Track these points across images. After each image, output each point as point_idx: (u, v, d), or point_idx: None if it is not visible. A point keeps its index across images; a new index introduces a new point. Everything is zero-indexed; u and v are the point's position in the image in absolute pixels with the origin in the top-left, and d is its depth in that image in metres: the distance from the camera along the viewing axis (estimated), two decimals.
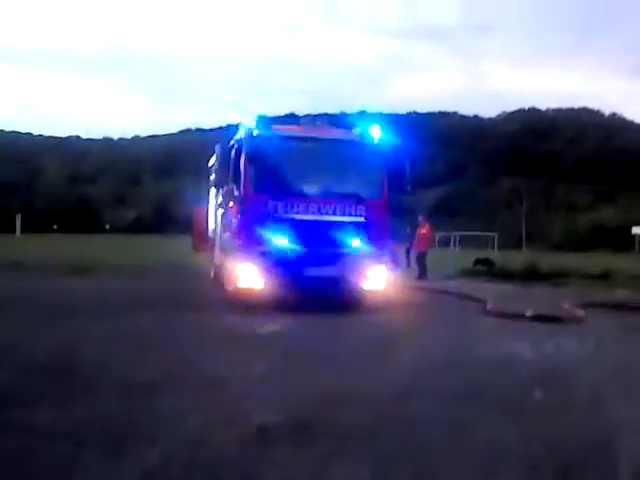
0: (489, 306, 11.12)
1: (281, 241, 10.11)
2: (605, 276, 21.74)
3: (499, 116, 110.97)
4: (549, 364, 6.75)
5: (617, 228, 65.67)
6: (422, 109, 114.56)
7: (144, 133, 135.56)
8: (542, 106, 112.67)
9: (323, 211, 10.24)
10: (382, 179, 10.64)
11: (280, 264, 10.04)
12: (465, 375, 6.10)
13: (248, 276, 10.12)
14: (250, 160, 10.21)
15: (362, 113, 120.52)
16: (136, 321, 8.64)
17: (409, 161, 10.86)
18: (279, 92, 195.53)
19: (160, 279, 16.06)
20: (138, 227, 79.31)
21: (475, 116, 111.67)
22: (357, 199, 10.41)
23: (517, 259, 23.52)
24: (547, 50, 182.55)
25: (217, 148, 13.40)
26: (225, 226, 11.54)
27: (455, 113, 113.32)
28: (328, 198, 10.31)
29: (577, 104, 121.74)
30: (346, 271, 10.27)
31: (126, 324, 8.36)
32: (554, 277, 20.82)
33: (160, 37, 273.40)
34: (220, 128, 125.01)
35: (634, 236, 52.53)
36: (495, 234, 51.60)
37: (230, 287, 10.49)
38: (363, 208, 10.40)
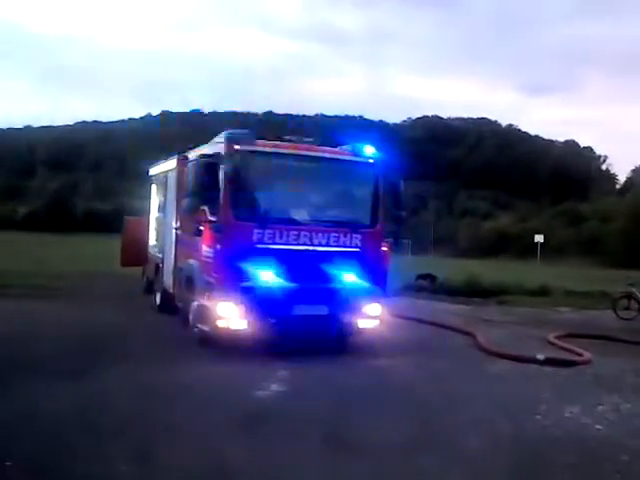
0: (484, 343, 10.23)
1: (266, 275, 8.67)
2: (544, 292, 21.99)
3: (404, 122, 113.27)
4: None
5: (518, 235, 68.42)
6: (328, 112, 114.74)
7: (37, 123, 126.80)
8: (444, 114, 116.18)
9: (315, 241, 8.90)
10: (378, 204, 9.46)
11: (265, 302, 8.61)
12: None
13: (228, 316, 8.61)
14: (231, 180, 8.67)
15: (269, 114, 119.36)
16: (97, 387, 6.88)
17: (402, 184, 9.73)
18: (181, 87, 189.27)
19: (93, 299, 14.00)
20: (31, 224, 73.14)
21: (380, 121, 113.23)
22: (352, 227, 9.15)
23: (455, 274, 23.23)
24: (447, 61, 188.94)
25: (174, 161, 11.74)
26: (192, 255, 9.87)
27: (361, 117, 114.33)
28: (320, 226, 8.98)
29: (476, 114, 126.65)
30: (340, 309, 9.00)
31: (85, 394, 6.58)
32: (496, 293, 20.73)
33: (53, 20, 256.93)
34: (121, 121, 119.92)
35: (536, 243, 54.63)
36: (409, 240, 52.06)
37: (205, 327, 8.90)
38: (358, 237, 9.16)
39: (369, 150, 9.53)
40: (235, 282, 8.63)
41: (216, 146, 9.11)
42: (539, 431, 5.95)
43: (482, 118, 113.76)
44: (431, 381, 7.93)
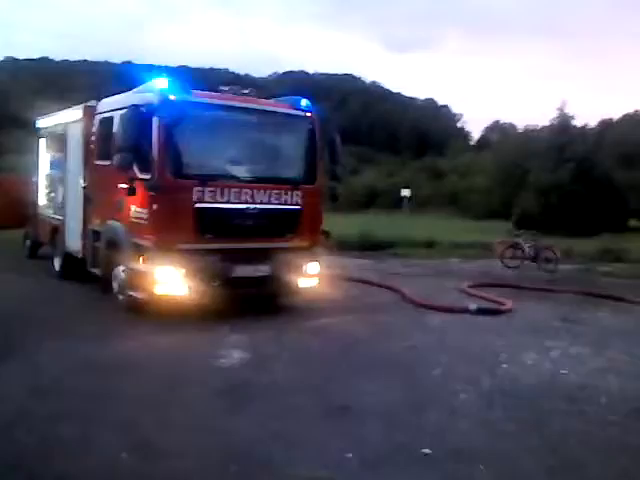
0: (415, 298, 10.43)
1: (207, 236, 8.16)
2: (431, 244, 22.99)
3: (270, 76, 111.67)
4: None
5: (387, 190, 70.79)
6: (192, 64, 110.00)
7: None
8: (310, 69, 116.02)
9: (256, 199, 8.46)
10: (317, 159, 9.16)
11: (207, 264, 8.12)
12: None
13: (168, 281, 8.02)
14: (166, 134, 7.95)
15: (128, 63, 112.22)
16: (35, 366, 6.18)
17: (338, 138, 9.50)
18: (29, 32, 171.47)
19: None
20: None
21: (247, 75, 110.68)
22: (293, 184, 8.81)
23: (343, 228, 23.51)
24: (311, 15, 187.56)
25: (77, 112, 10.58)
26: (114, 216, 9.01)
27: (226, 70, 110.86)
28: (262, 183, 8.55)
29: (341, 70, 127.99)
30: (281, 268, 8.70)
31: (25, 374, 5.89)
32: (387, 247, 21.37)
33: None
34: None
35: (402, 198, 56.94)
36: None
37: (139, 294, 8.22)
38: (299, 194, 8.84)
39: (306, 103, 9.17)
40: (174, 244, 8.04)
41: (145, 96, 8.28)
42: (516, 381, 6.16)
43: (347, 74, 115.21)
44: (385, 337, 7.96)
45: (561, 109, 39.24)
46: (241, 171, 8.50)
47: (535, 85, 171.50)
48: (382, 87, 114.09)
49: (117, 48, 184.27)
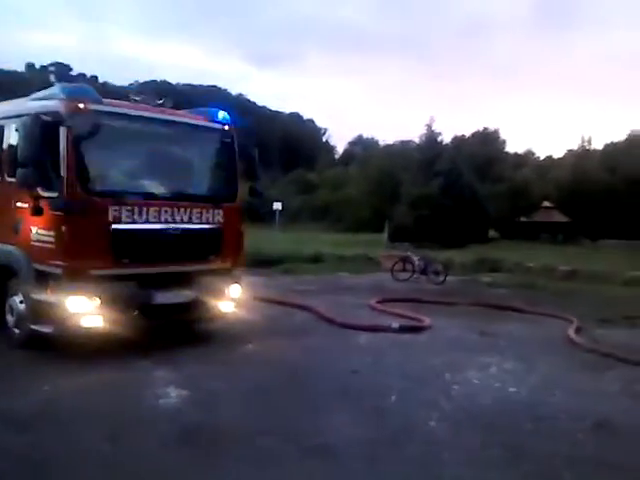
0: (335, 317, 10.19)
1: (122, 260, 7.37)
2: (318, 259, 23.04)
3: (131, 85, 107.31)
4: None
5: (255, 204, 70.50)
6: (38, 63, 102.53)
7: None
8: (172, 79, 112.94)
9: (176, 218, 7.78)
10: (236, 175, 8.65)
11: (124, 291, 7.34)
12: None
13: (80, 312, 7.12)
14: (76, 146, 7.07)
15: None
16: None
17: (256, 152, 9.07)
18: None
19: None
20: None
21: (105, 83, 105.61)
22: (213, 201, 8.22)
23: None
24: (171, 23, 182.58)
25: None
26: (13, 237, 7.89)
27: (82, 75, 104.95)
28: (181, 200, 7.89)
29: (205, 81, 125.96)
30: (203, 293, 8.09)
31: None
32: (276, 262, 21.06)
33: None
34: None
35: (275, 211, 57.03)
36: None
37: (46, 328, 7.21)
38: (220, 212, 8.28)
39: (223, 115, 8.65)
40: (86, 271, 7.17)
41: (49, 103, 7.32)
42: (474, 402, 6.09)
43: (212, 86, 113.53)
44: (323, 362, 7.62)
45: (429, 125, 41.35)
46: (159, 188, 7.80)
47: (392, 101, 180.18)
48: (248, 100, 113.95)
49: None
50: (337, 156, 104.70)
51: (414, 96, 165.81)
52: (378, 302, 12.28)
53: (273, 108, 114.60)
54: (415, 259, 18.10)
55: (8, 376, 6.41)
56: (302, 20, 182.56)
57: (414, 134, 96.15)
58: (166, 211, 7.67)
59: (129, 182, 7.61)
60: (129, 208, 7.34)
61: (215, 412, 5.59)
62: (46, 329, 7.21)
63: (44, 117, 7.07)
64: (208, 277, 8.12)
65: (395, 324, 9.57)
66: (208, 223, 8.12)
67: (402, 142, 55.61)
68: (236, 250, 8.59)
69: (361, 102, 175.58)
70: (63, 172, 7.03)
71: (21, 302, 7.63)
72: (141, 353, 7.23)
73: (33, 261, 7.45)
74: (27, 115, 7.21)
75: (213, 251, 8.21)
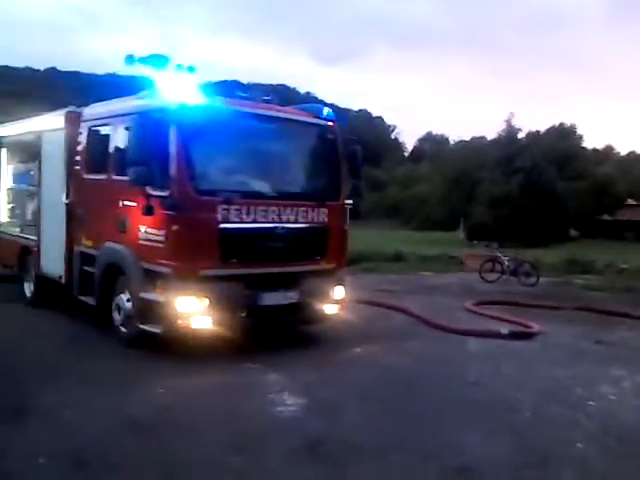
0: (439, 322, 9.74)
1: (232, 260, 7.20)
2: (399, 258, 22.58)
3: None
4: None
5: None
6: (121, 72, 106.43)
7: None
8: (243, 79, 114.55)
9: (283, 217, 7.55)
10: (341, 173, 8.35)
11: (232, 292, 7.16)
12: None
13: (189, 312, 6.99)
14: (188, 145, 6.94)
15: (52, 70, 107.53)
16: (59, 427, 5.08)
17: (360, 150, 8.72)
18: None
19: None
20: None
21: None
22: (320, 200, 7.95)
23: None
24: (241, 24, 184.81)
25: (58, 120, 9.30)
26: (113, 237, 7.86)
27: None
28: (288, 199, 7.65)
29: (274, 81, 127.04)
30: (309, 294, 7.84)
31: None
32: (357, 261, 20.72)
33: None
34: None
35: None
36: None
37: (155, 328, 7.14)
38: (325, 211, 8.00)
39: (328, 112, 8.37)
40: (196, 271, 7.04)
41: (158, 101, 7.22)
42: (616, 421, 5.56)
43: (281, 85, 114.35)
44: (436, 370, 7.18)
45: (508, 121, 40.00)
46: (267, 186, 7.59)
47: (461, 97, 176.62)
48: (316, 98, 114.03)
49: (39, 55, 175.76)
50: (406, 153, 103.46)
51: (483, 92, 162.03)
52: (474, 304, 11.75)
53: (341, 106, 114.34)
54: (505, 259, 17.38)
55: (122, 378, 6.33)
56: (369, 18, 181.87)
57: (485, 130, 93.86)
58: (273, 210, 7.45)
59: (237, 180, 7.43)
60: (237, 207, 7.15)
61: (337, 422, 5.30)
62: (155, 329, 7.13)
63: (154, 114, 6.97)
64: (313, 278, 7.86)
65: (504, 329, 9.04)
66: (314, 222, 7.86)
67: (476, 138, 54.07)
68: (341, 250, 8.31)
69: (429, 99, 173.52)
70: (173, 170, 6.91)
71: (128, 300, 7.60)
72: (249, 355, 7.06)
73: (141, 260, 7.39)
74: (137, 113, 7.13)
75: (318, 251, 7.94)
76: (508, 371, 7.18)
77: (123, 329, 7.73)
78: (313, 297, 7.86)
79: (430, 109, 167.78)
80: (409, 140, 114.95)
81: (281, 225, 7.51)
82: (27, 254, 10.36)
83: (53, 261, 9.45)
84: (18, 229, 10.87)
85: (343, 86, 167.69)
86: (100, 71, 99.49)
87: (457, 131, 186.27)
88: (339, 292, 8.26)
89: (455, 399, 6.04)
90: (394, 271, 19.19)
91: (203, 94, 7.27)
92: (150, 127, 6.86)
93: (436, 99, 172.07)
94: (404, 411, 5.67)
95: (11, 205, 11.44)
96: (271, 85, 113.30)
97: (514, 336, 8.89)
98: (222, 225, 7.07)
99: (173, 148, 6.90)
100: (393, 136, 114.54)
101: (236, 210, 7.15)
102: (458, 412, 5.64)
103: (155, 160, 6.86)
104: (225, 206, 7.06)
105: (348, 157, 8.51)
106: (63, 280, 9.15)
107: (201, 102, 7.13)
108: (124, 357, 7.15)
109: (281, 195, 7.62)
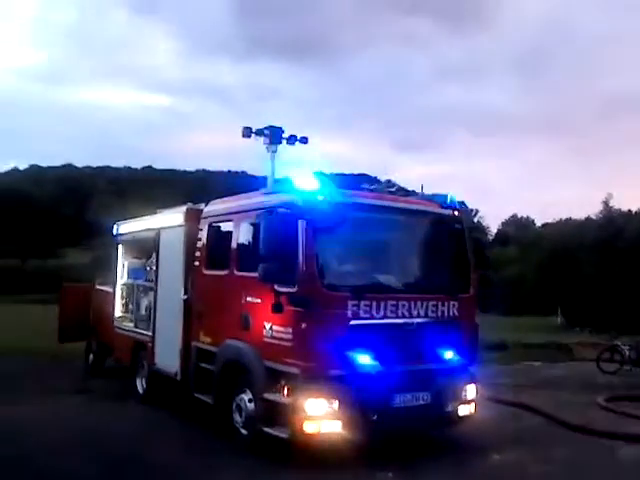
0: (586, 424, 8.82)
1: (364, 359, 6.78)
2: (503, 347, 21.37)
3: None
4: None
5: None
6: (211, 167, 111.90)
7: None
8: (326, 170, 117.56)
9: (413, 312, 7.14)
10: (469, 264, 7.92)
11: (364, 393, 6.70)
12: None
13: (319, 415, 6.56)
14: (317, 240, 6.75)
15: (148, 168, 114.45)
16: None
17: (487, 239, 8.30)
18: (48, 139, 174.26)
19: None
20: None
21: (265, 177, 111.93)
22: (449, 293, 7.52)
23: None
24: (324, 118, 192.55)
25: (177, 216, 9.45)
26: (234, 334, 7.66)
27: (244, 173, 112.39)
28: (417, 293, 7.27)
29: (355, 170, 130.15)
30: (442, 394, 7.26)
31: None
32: None
33: None
34: None
35: None
36: None
37: (281, 433, 6.72)
38: (455, 305, 7.53)
39: (452, 199, 8.06)
40: (326, 371, 6.66)
41: (286, 197, 7.14)
42: None
43: (362, 174, 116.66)
44: None
45: (606, 202, 38.54)
46: (394, 280, 7.27)
47: (542, 180, 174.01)
48: (398, 185, 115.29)
49: (135, 154, 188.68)
50: (490, 237, 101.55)
51: (564, 174, 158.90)
52: (607, 400, 10.69)
53: (426, 192, 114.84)
54: (625, 348, 16.07)
55: None
56: (447, 107, 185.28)
57: (571, 211, 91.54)
58: (403, 305, 7.07)
59: (366, 275, 7.14)
60: (367, 303, 6.82)
61: None
62: (281, 433, 6.71)
63: (284, 210, 6.86)
64: (446, 377, 7.31)
65: None
66: (445, 316, 7.39)
67: (569, 220, 52.35)
68: (472, 345, 7.75)
69: (510, 182, 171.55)
70: (302, 266, 6.69)
71: (250, 401, 7.27)
72: (383, 463, 6.49)
73: (265, 358, 7.11)
74: (265, 209, 7.05)
75: (450, 346, 7.41)
76: None
77: (244, 431, 7.36)
78: (445, 397, 7.28)
79: (511, 192, 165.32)
80: (493, 223, 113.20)
81: (411, 320, 7.09)
82: (141, 349, 10.35)
83: (168, 357, 9.34)
84: (132, 324, 10.96)
85: (424, 173, 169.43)
86: (191, 167, 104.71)
87: (541, 213, 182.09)
88: (471, 391, 7.64)
89: None
90: (499, 360, 18.11)
91: (330, 188, 7.13)
92: (279, 223, 6.73)
93: (517, 183, 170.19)
94: None
95: (126, 300, 11.61)
96: (352, 174, 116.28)
97: None
98: (353, 321, 6.73)
99: (302, 243, 6.72)
100: (476, 220, 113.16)
101: (366, 306, 6.81)
102: None
103: (284, 256, 6.67)
104: (355, 302, 6.74)
105: (474, 245, 8.12)
106: (178, 377, 8.98)
107: (329, 196, 6.98)
108: (254, 468, 6.70)
109: (411, 288, 7.27)
